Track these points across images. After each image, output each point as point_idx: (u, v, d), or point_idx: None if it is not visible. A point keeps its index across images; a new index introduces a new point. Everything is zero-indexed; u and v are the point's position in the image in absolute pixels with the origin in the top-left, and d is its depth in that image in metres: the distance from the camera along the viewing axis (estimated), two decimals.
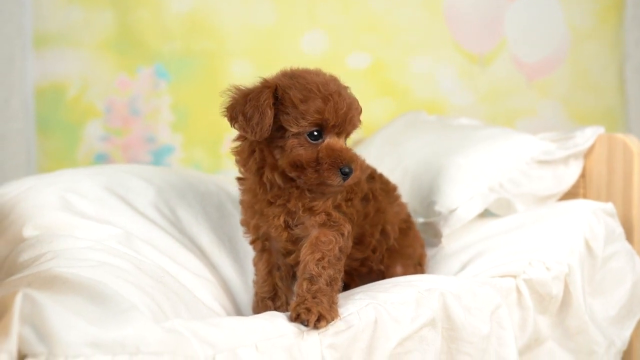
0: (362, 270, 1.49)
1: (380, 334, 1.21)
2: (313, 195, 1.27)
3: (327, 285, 1.20)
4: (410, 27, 2.56)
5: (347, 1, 2.53)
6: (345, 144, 1.27)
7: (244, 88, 1.26)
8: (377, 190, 1.45)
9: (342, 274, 1.27)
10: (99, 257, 1.26)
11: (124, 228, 1.46)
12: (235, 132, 1.29)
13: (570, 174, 1.82)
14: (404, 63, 2.57)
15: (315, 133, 1.22)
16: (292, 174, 1.23)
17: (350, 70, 2.53)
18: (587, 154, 1.84)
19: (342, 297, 1.28)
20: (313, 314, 1.13)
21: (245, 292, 1.58)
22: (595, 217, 1.65)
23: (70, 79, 2.42)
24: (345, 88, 1.27)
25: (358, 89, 2.53)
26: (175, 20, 2.45)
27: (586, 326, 1.53)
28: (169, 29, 2.45)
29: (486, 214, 1.79)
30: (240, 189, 1.37)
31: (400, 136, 2.08)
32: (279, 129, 1.23)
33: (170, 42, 2.45)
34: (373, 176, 1.47)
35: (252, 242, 1.41)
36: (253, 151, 1.29)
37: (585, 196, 1.85)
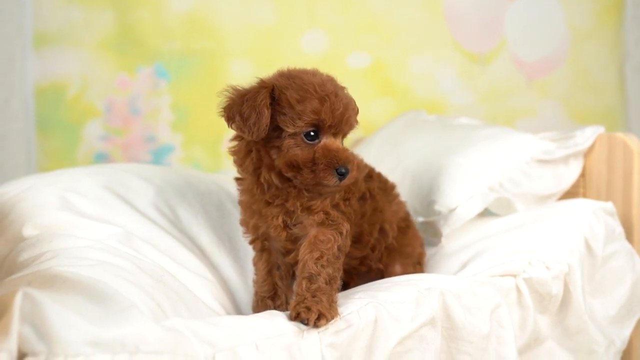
0: (361, 269, 1.49)
1: (380, 333, 1.21)
2: (311, 195, 1.27)
3: (326, 284, 1.20)
4: (410, 26, 2.56)
5: (347, 1, 2.53)
6: (342, 144, 1.27)
7: (241, 88, 1.26)
8: (375, 189, 1.45)
9: (341, 272, 1.27)
10: (98, 257, 1.26)
11: (124, 227, 1.46)
12: (233, 132, 1.30)
13: (570, 174, 1.82)
14: (404, 63, 2.57)
15: (312, 133, 1.22)
16: (289, 174, 1.23)
17: (350, 70, 2.54)
18: (587, 153, 1.84)
19: (341, 296, 1.28)
20: (313, 313, 1.14)
21: (245, 292, 1.59)
22: (595, 216, 1.65)
23: (70, 78, 2.42)
24: (342, 88, 1.26)
25: (358, 89, 2.53)
26: (175, 20, 2.45)
27: (586, 325, 1.53)
28: (169, 29, 2.45)
29: (486, 213, 1.79)
30: (238, 189, 1.37)
31: (400, 136, 2.08)
32: (275, 129, 1.23)
33: (170, 41, 2.45)
34: (371, 175, 1.47)
35: (252, 242, 1.41)
36: (250, 151, 1.29)
37: (585, 196, 1.85)
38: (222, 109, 1.25)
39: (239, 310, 1.55)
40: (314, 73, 1.25)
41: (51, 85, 2.41)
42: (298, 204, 1.27)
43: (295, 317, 1.15)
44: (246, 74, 2.45)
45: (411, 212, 1.72)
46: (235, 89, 1.26)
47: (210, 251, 1.61)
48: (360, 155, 1.52)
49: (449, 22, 2.57)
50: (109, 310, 0.99)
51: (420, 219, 1.76)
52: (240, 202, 1.38)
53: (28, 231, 1.37)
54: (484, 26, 2.58)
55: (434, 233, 1.73)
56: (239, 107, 1.22)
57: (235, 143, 1.32)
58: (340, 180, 1.21)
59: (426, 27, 2.56)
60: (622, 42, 2.61)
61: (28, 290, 0.94)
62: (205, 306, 1.39)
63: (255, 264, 1.43)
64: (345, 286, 1.45)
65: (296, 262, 1.28)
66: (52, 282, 1.06)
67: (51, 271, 1.11)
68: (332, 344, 1.15)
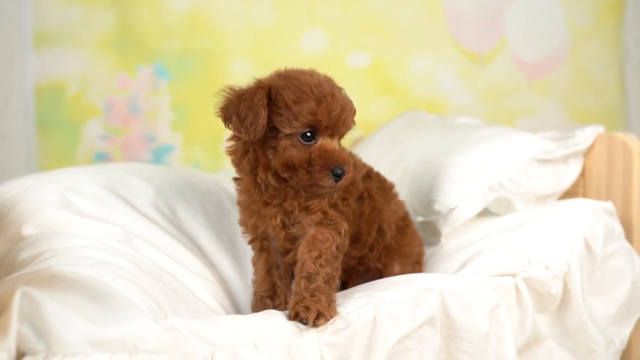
0: (359, 269, 1.50)
1: (379, 332, 1.21)
2: (308, 195, 1.27)
3: (325, 283, 1.21)
4: (410, 26, 2.56)
5: (347, 0, 2.53)
6: (340, 145, 1.26)
7: (238, 88, 1.26)
8: (373, 189, 1.45)
9: (339, 272, 1.27)
10: (98, 256, 1.26)
11: (124, 227, 1.46)
12: (230, 132, 1.30)
13: (570, 173, 1.82)
14: (404, 62, 2.57)
15: (308, 134, 1.22)
16: (285, 175, 1.23)
17: (350, 69, 2.53)
18: (587, 153, 1.84)
19: (340, 296, 1.28)
20: (312, 312, 1.14)
21: (245, 291, 1.59)
22: (594, 216, 1.65)
23: (70, 78, 2.42)
24: (340, 89, 1.26)
25: (358, 89, 2.56)
26: (175, 19, 2.45)
27: (585, 325, 1.53)
28: (169, 28, 2.45)
29: (486, 212, 1.79)
30: (237, 189, 1.37)
31: (400, 135, 2.08)
32: (272, 130, 1.23)
33: (170, 41, 2.45)
34: (369, 175, 1.47)
35: (251, 242, 1.41)
36: (247, 151, 1.29)
37: (584, 195, 1.85)
38: (219, 109, 1.25)
39: (238, 310, 1.55)
40: (311, 73, 1.25)
41: (51, 85, 2.41)
42: (296, 203, 1.27)
43: (294, 317, 1.15)
44: (246, 73, 2.44)
45: (411, 212, 1.72)
46: (232, 89, 1.26)
47: (210, 251, 1.61)
48: (359, 155, 1.52)
49: (449, 22, 2.57)
50: (108, 309, 0.99)
51: (420, 219, 1.76)
52: (239, 202, 1.38)
53: (27, 230, 1.37)
54: (484, 26, 2.58)
55: (434, 232, 1.73)
56: (236, 108, 1.22)
57: (232, 143, 1.32)
58: (336, 181, 1.21)
59: (426, 27, 2.56)
60: (622, 41, 2.61)
61: (27, 289, 0.94)
62: (204, 305, 1.39)
63: (254, 263, 1.43)
64: (344, 286, 1.45)
65: (295, 262, 1.28)
66: (51, 281, 1.06)
67: (50, 270, 1.11)
68: (331, 343, 1.15)
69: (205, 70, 2.47)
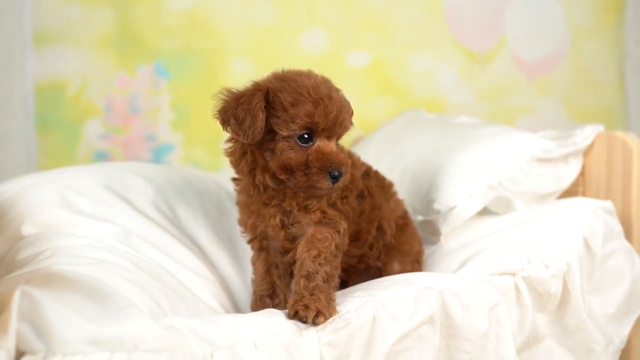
0: (359, 267, 1.50)
1: (378, 331, 1.21)
2: (307, 195, 1.27)
3: (324, 282, 1.21)
4: (410, 25, 2.56)
5: None
6: (337, 146, 1.26)
7: (235, 91, 1.26)
8: (372, 187, 1.45)
9: (338, 270, 1.27)
10: (98, 255, 1.26)
11: (123, 226, 1.46)
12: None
13: (569, 172, 1.82)
14: (403, 61, 2.57)
15: (306, 136, 1.22)
16: (282, 177, 1.23)
17: (350, 68, 2.53)
18: (587, 152, 1.84)
19: (340, 294, 1.28)
20: (311, 311, 1.14)
21: (244, 290, 1.59)
22: (594, 215, 1.65)
23: (70, 77, 2.42)
24: (337, 90, 1.26)
25: (358, 88, 2.56)
26: (175, 18, 2.45)
27: (585, 324, 1.53)
28: (169, 27, 2.45)
29: (485, 211, 1.79)
30: (236, 190, 1.38)
31: (400, 134, 2.08)
32: (269, 132, 1.23)
33: (170, 40, 2.45)
34: (368, 173, 1.48)
35: (250, 241, 1.41)
36: (245, 153, 1.29)
37: (584, 194, 1.85)
38: (217, 112, 1.25)
39: (237, 309, 1.55)
40: (309, 75, 1.25)
41: (51, 84, 2.41)
42: (295, 203, 1.27)
43: (294, 316, 1.15)
44: (246, 72, 2.45)
45: (410, 211, 1.72)
46: (229, 92, 1.26)
47: (210, 250, 1.61)
48: (357, 154, 1.52)
49: (449, 21, 2.57)
50: (108, 308, 0.99)
51: (420, 218, 1.76)
52: (238, 202, 1.38)
53: (27, 229, 1.37)
54: (484, 25, 2.58)
55: (434, 232, 1.73)
56: (234, 110, 1.21)
57: (230, 144, 1.32)
58: (334, 183, 1.21)
59: (426, 26, 2.56)
60: (622, 40, 2.61)
61: (26, 288, 0.94)
62: (204, 305, 1.39)
63: (253, 263, 1.43)
64: (344, 284, 1.46)
65: (294, 261, 1.28)
66: (51, 280, 1.06)
67: (50, 269, 1.11)
68: (330, 342, 1.15)
69: (205, 69, 2.47)
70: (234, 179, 1.38)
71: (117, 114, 2.45)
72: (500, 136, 1.86)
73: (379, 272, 1.51)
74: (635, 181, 1.74)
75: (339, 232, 1.28)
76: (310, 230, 1.27)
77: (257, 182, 1.28)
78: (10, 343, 0.87)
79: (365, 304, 1.22)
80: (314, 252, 1.23)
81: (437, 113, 2.34)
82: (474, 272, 1.50)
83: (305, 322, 1.14)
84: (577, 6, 2.60)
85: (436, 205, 1.72)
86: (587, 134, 1.82)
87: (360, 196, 1.41)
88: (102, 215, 1.47)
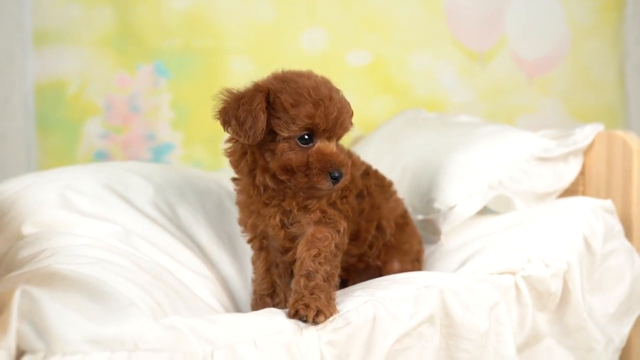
0: (359, 266, 1.50)
1: (378, 330, 1.21)
2: (306, 195, 1.27)
3: (324, 281, 1.21)
4: (410, 24, 2.56)
5: None
6: (337, 146, 1.27)
7: (236, 91, 1.26)
8: (372, 187, 1.45)
9: (338, 270, 1.27)
10: (98, 255, 1.26)
11: (123, 225, 1.46)
12: None
13: (569, 171, 1.82)
14: (403, 60, 2.57)
15: (306, 137, 1.22)
16: (282, 178, 1.23)
17: (350, 67, 2.53)
18: (587, 151, 1.84)
19: (340, 294, 1.28)
20: (311, 310, 1.14)
21: (244, 290, 1.59)
22: (594, 214, 1.65)
23: (70, 76, 2.42)
24: (337, 91, 1.26)
25: (358, 87, 2.56)
26: (175, 18, 2.45)
27: (585, 323, 1.53)
28: (169, 26, 2.45)
29: (485, 211, 1.79)
30: (235, 190, 1.38)
31: (400, 134, 2.08)
32: (270, 133, 1.23)
33: (169, 39, 2.45)
34: (368, 172, 1.48)
35: (250, 241, 1.41)
36: (245, 153, 1.29)
37: (584, 193, 1.85)
38: (218, 113, 1.25)
39: (237, 308, 1.55)
40: (309, 76, 1.25)
41: (51, 83, 2.41)
42: (294, 203, 1.27)
43: (294, 315, 1.16)
44: (246, 72, 2.45)
45: (411, 210, 1.72)
46: (230, 92, 1.26)
47: (210, 249, 1.61)
48: (357, 153, 1.52)
49: (449, 20, 2.57)
50: (108, 308, 0.99)
51: (420, 217, 1.76)
52: (238, 202, 1.38)
53: (27, 229, 1.37)
54: (484, 24, 2.58)
55: (434, 231, 1.73)
56: (235, 111, 1.21)
57: (230, 145, 1.32)
58: (334, 184, 1.21)
59: (426, 25, 2.56)
60: (622, 39, 2.61)
61: (27, 287, 0.94)
62: (204, 304, 1.39)
63: (253, 262, 1.43)
64: (344, 283, 1.46)
65: (294, 261, 1.28)
66: (51, 279, 1.06)
67: (50, 269, 1.12)
68: (330, 341, 1.15)
69: (205, 68, 2.47)
70: (233, 179, 1.38)
71: (117, 113, 2.45)
72: (500, 135, 1.86)
73: (378, 271, 1.51)
74: (635, 180, 1.73)
75: (338, 231, 1.28)
76: (310, 229, 1.28)
77: (257, 182, 1.28)
78: (10, 342, 0.87)
79: (365, 303, 1.22)
80: (313, 252, 1.23)
81: (437, 112, 2.34)
82: (474, 272, 1.51)
83: (305, 321, 1.14)
84: (577, 5, 2.60)
85: (436, 205, 1.72)
86: (587, 133, 1.82)
87: (360, 195, 1.41)
88: (102, 214, 1.47)
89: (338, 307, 1.20)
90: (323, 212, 1.28)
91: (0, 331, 0.88)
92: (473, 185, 1.73)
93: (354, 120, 1.28)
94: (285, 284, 1.41)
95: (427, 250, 1.69)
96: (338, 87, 1.27)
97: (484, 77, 2.59)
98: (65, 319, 0.92)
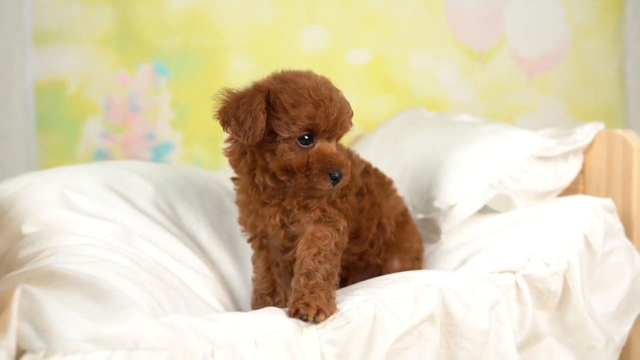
0: (359, 265, 1.50)
1: (379, 329, 1.21)
2: (306, 195, 1.27)
3: (324, 280, 1.21)
4: (410, 23, 2.56)
5: None
6: (337, 146, 1.27)
7: (235, 91, 1.26)
8: (372, 185, 1.45)
9: (338, 269, 1.27)
10: (98, 254, 1.26)
11: (124, 225, 1.46)
12: None
13: (569, 170, 1.82)
14: (404, 59, 2.57)
15: (306, 137, 1.22)
16: (283, 178, 1.23)
17: (350, 66, 2.53)
18: (587, 150, 1.84)
19: (340, 293, 1.28)
20: (312, 309, 1.14)
21: (244, 289, 1.59)
22: (594, 213, 1.65)
23: (69, 75, 2.42)
24: (337, 91, 1.26)
25: (358, 86, 2.56)
26: (175, 17, 2.45)
27: (585, 322, 1.53)
28: (169, 25, 2.45)
29: (485, 210, 1.79)
30: (235, 189, 1.38)
31: (400, 133, 2.08)
32: (270, 133, 1.23)
33: (169, 38, 2.45)
34: (367, 170, 1.48)
35: (250, 240, 1.41)
36: (244, 153, 1.29)
37: (584, 192, 1.85)
38: (218, 112, 1.25)
39: (238, 307, 1.55)
40: (309, 76, 1.25)
41: (51, 83, 2.41)
42: (294, 202, 1.28)
43: (294, 314, 1.16)
44: (246, 71, 2.45)
45: (411, 209, 1.72)
46: (230, 92, 1.26)
47: (210, 248, 1.61)
48: (357, 151, 1.52)
49: (449, 19, 2.57)
50: (108, 307, 0.99)
51: (420, 216, 1.76)
52: (237, 202, 1.38)
53: (27, 228, 1.37)
54: (484, 23, 2.58)
55: (434, 230, 1.73)
56: (235, 111, 1.21)
57: (229, 144, 1.32)
58: (334, 184, 1.22)
59: (426, 24, 2.56)
60: (622, 38, 2.61)
61: (27, 287, 0.94)
62: (204, 303, 1.39)
63: (253, 261, 1.43)
64: (344, 282, 1.46)
65: (294, 260, 1.28)
66: (51, 279, 1.06)
67: (50, 268, 1.12)
68: (331, 340, 1.15)
69: (205, 67, 2.47)
70: (233, 179, 1.38)
71: (117, 112, 2.45)
72: (500, 134, 1.86)
73: (379, 270, 1.51)
74: (635, 179, 1.73)
75: (338, 230, 1.28)
76: (310, 228, 1.28)
77: (256, 181, 1.28)
78: (10, 342, 0.87)
79: (365, 302, 1.23)
80: (313, 250, 1.24)
81: (437, 111, 2.34)
82: (474, 270, 1.51)
83: (305, 320, 1.14)
84: (577, 4, 2.60)
85: (436, 204, 1.72)
86: (587, 132, 1.81)
87: (360, 194, 1.41)
88: (102, 214, 1.47)
89: (338, 306, 1.20)
90: (323, 211, 1.28)
91: (0, 330, 0.88)
92: (473, 184, 1.73)
93: (354, 119, 1.28)
94: (285, 283, 1.41)
95: (428, 249, 1.69)
96: (338, 86, 1.27)
97: (484, 76, 2.59)
98: (65, 318, 0.92)
